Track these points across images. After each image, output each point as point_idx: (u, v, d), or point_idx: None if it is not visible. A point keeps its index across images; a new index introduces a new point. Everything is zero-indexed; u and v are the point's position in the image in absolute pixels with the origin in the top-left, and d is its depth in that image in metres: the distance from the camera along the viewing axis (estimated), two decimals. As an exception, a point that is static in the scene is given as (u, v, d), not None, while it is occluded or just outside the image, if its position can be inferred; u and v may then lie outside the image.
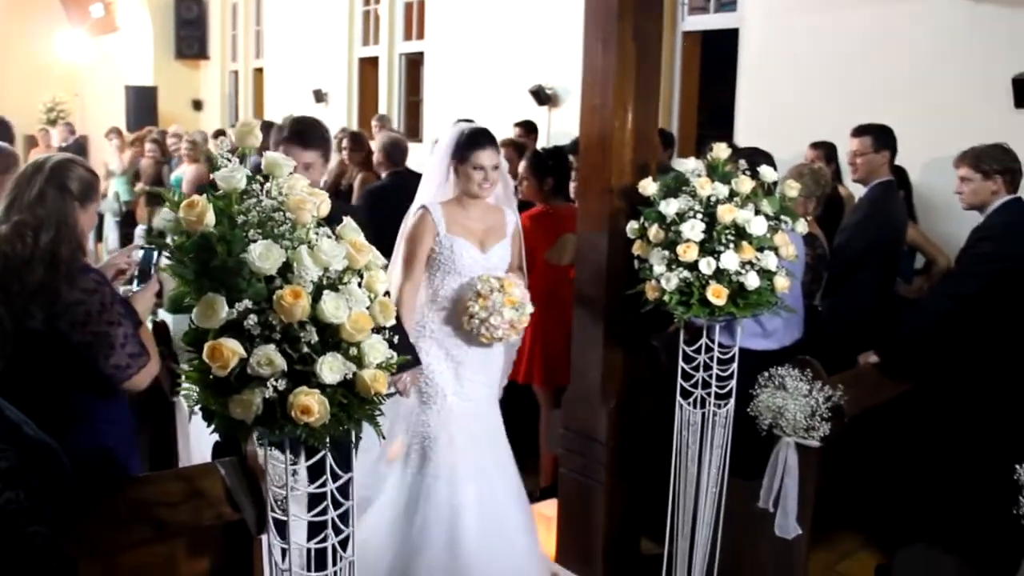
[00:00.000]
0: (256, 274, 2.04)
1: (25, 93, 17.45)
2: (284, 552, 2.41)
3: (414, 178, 6.95)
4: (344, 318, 2.09)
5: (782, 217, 3.60)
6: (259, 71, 15.15)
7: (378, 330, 2.24)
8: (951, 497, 3.78)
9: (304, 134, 3.59)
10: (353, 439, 2.22)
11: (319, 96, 13.04)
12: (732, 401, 3.73)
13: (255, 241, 2.06)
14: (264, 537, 2.61)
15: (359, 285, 2.28)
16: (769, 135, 6.33)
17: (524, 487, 4.24)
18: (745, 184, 3.55)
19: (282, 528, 2.39)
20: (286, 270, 2.09)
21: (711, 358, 3.67)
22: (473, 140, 3.92)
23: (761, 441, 3.80)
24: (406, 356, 3.27)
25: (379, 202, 6.16)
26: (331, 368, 2.06)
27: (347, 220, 2.35)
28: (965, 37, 6.05)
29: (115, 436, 3.06)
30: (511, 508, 4.09)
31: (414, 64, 11.71)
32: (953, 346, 4.16)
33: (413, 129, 11.32)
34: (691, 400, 3.71)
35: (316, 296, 2.09)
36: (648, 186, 3.64)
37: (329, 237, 2.18)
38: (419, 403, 4.02)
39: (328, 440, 2.15)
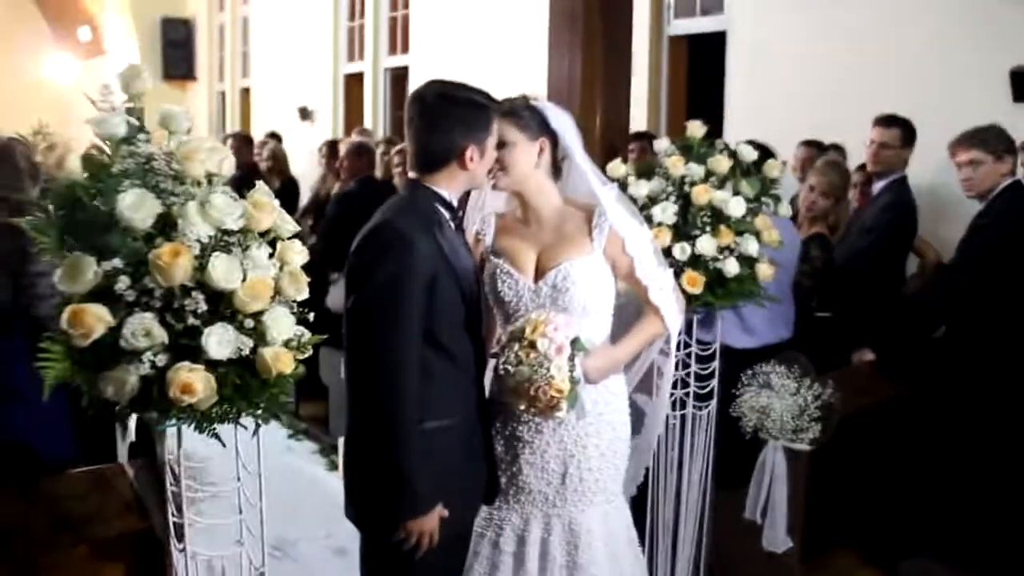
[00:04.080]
0: (131, 231, 1.74)
1: (10, 118, 17.20)
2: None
3: (385, 184, 6.76)
4: (236, 283, 1.79)
5: (763, 199, 3.32)
6: (246, 91, 14.92)
7: (289, 305, 1.94)
8: (955, 507, 3.46)
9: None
10: (253, 427, 1.92)
11: (304, 114, 12.81)
12: (714, 402, 3.43)
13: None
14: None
15: (271, 256, 1.99)
16: (759, 136, 6.06)
17: None
18: (722, 163, 3.27)
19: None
20: (170, 228, 1.79)
21: (689, 355, 3.37)
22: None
23: (745, 446, 3.49)
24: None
25: (348, 208, 5.92)
26: (220, 341, 1.76)
27: (259, 184, 2.07)
28: (960, 30, 5.77)
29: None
30: None
31: (399, 79, 11.47)
32: (954, 341, 3.85)
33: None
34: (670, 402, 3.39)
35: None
36: (617, 168, 3.35)
37: (226, 194, 1.89)
38: None
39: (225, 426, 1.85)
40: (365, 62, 11.83)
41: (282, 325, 1.87)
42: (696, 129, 3.37)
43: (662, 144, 3.40)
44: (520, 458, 2.77)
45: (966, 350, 3.80)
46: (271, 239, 2.03)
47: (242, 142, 8.58)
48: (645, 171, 3.36)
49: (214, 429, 1.82)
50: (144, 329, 1.71)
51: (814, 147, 5.96)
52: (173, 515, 2.06)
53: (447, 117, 2.52)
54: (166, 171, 1.81)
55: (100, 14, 17.38)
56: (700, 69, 8.17)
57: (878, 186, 4.79)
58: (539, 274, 2.72)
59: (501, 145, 2.66)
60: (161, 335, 1.73)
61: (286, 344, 1.90)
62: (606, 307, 2.76)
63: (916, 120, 4.76)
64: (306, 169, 9.85)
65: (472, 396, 2.66)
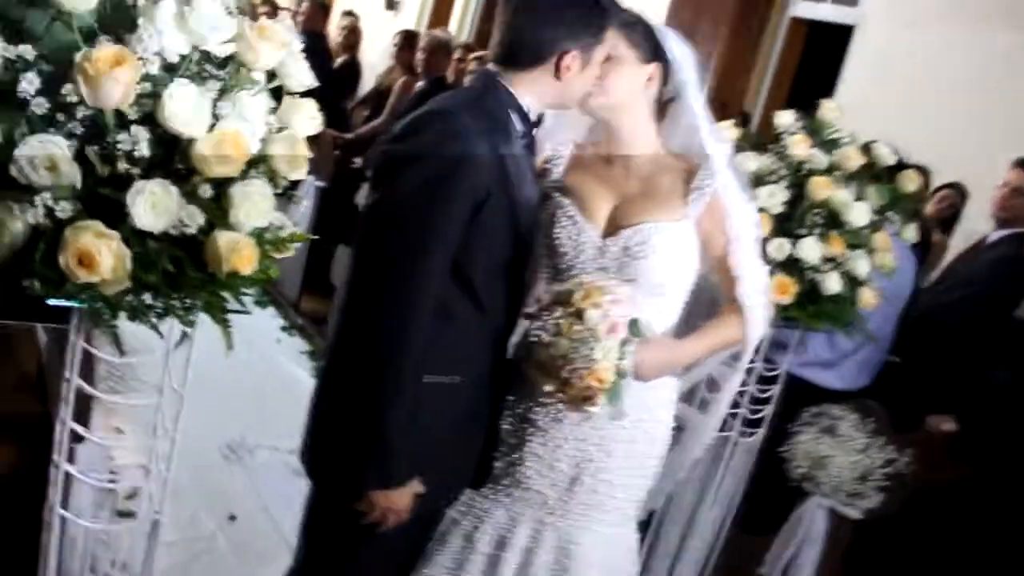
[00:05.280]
0: (62, 13, 1.19)
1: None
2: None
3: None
4: (200, 130, 1.23)
5: (889, 214, 2.73)
6: (338, -33, 14.29)
7: (271, 178, 1.39)
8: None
9: None
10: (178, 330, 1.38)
11: (391, 3, 12.19)
12: (762, 432, 2.88)
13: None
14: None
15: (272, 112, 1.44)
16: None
17: None
18: (854, 158, 2.68)
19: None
20: (127, 31, 1.24)
21: (749, 371, 2.80)
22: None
23: (783, 492, 2.94)
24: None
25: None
26: (154, 205, 1.21)
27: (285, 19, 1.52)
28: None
29: None
30: None
31: (496, -10, 10.81)
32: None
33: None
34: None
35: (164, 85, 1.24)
36: (728, 129, 2.75)
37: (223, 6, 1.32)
38: None
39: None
40: (466, -41, 11.16)
41: (255, 206, 1.32)
42: (830, 112, 2.77)
43: (784, 118, 2.80)
44: (526, 446, 2.18)
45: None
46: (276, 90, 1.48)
47: (318, 7, 7.98)
48: (757, 143, 2.77)
49: (113, 325, 1.28)
50: (48, 159, 1.16)
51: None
52: (63, 418, 1.54)
53: (555, 7, 1.96)
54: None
55: None
56: (811, 59, 7.53)
57: (995, 235, 4.14)
58: (611, 229, 2.12)
59: (605, 59, 2.07)
60: (72, 174, 1.18)
61: (257, 235, 1.36)
62: (681, 291, 2.17)
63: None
64: (378, 60, 9.30)
65: (489, 356, 2.10)
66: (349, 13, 9.41)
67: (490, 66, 2.06)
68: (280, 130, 1.44)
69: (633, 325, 1.94)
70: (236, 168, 1.27)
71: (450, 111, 1.92)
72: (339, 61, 7.64)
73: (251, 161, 1.33)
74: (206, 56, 1.28)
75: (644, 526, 2.76)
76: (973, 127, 5.70)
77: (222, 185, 1.30)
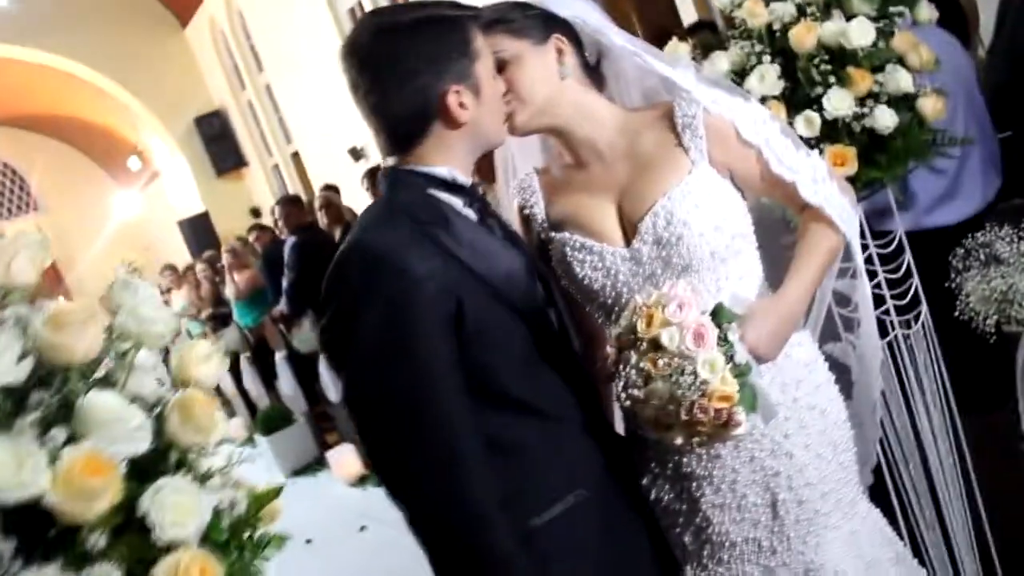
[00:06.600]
0: None
1: (99, 264, 17.26)
2: None
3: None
4: (35, 482, 0.92)
5: (891, 10, 2.31)
6: (296, 155, 14.53)
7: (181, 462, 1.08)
8: None
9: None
10: None
11: (356, 154, 12.17)
12: (923, 307, 2.43)
13: None
14: None
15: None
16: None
17: None
18: (817, -14, 2.28)
19: None
20: None
21: (868, 259, 2.37)
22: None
23: (990, 351, 2.47)
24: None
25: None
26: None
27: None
28: None
29: None
30: None
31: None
32: None
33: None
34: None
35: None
36: (676, 48, 2.38)
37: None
38: None
39: None
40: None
41: (179, 506, 1.00)
42: (762, -41, 2.38)
43: (721, -1, 2.42)
44: (701, 502, 1.81)
45: None
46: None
47: (289, 206, 7.86)
48: (712, 45, 2.39)
49: None
50: None
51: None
52: None
53: (400, 57, 1.61)
54: None
55: (139, 139, 17.38)
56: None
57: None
58: (629, 231, 1.78)
59: (499, 68, 1.73)
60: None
61: (210, 535, 1.04)
62: (745, 240, 1.81)
63: None
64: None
65: (592, 451, 1.74)
66: (324, 189, 9.30)
67: (387, 163, 1.76)
68: (182, 387, 1.15)
69: (718, 314, 1.58)
70: (114, 492, 0.95)
71: (360, 241, 1.60)
72: (337, 235, 7.46)
73: (139, 460, 1.02)
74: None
75: (877, 489, 2.33)
76: None
77: (125, 512, 0.99)
